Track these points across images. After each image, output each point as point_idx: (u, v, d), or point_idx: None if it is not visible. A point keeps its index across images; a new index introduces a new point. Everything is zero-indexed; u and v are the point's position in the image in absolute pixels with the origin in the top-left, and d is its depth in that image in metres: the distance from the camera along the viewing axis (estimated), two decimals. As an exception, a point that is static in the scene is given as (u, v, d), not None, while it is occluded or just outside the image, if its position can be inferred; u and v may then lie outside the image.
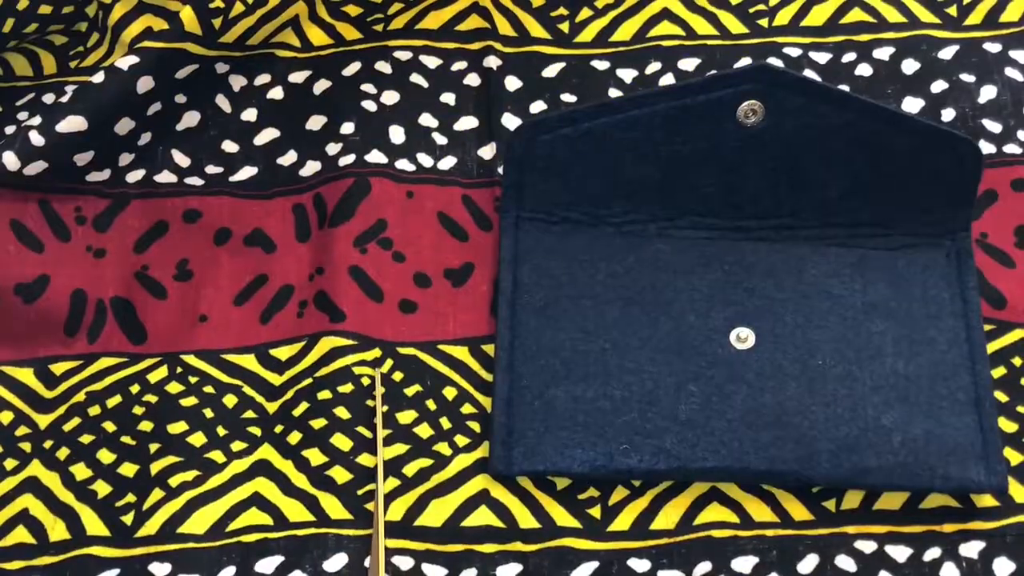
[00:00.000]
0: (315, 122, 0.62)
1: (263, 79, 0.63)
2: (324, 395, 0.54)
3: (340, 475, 0.53)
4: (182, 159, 0.61)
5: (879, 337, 0.54)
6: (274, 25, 0.63)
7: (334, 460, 0.53)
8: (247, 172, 0.61)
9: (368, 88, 0.62)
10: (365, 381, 0.54)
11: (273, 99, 0.62)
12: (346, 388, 0.54)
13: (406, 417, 0.54)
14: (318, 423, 0.54)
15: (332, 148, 0.60)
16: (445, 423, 0.54)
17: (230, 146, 0.61)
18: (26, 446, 0.54)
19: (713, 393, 0.53)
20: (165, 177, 0.60)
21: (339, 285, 0.56)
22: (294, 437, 0.54)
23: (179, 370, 0.56)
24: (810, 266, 0.56)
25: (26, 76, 0.64)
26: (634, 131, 0.55)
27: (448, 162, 0.60)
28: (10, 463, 0.54)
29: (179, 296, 0.58)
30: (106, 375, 0.56)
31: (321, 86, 0.63)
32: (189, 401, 0.55)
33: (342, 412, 0.54)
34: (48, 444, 0.54)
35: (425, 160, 0.60)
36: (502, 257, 0.56)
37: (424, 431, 0.54)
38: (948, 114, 0.60)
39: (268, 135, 0.62)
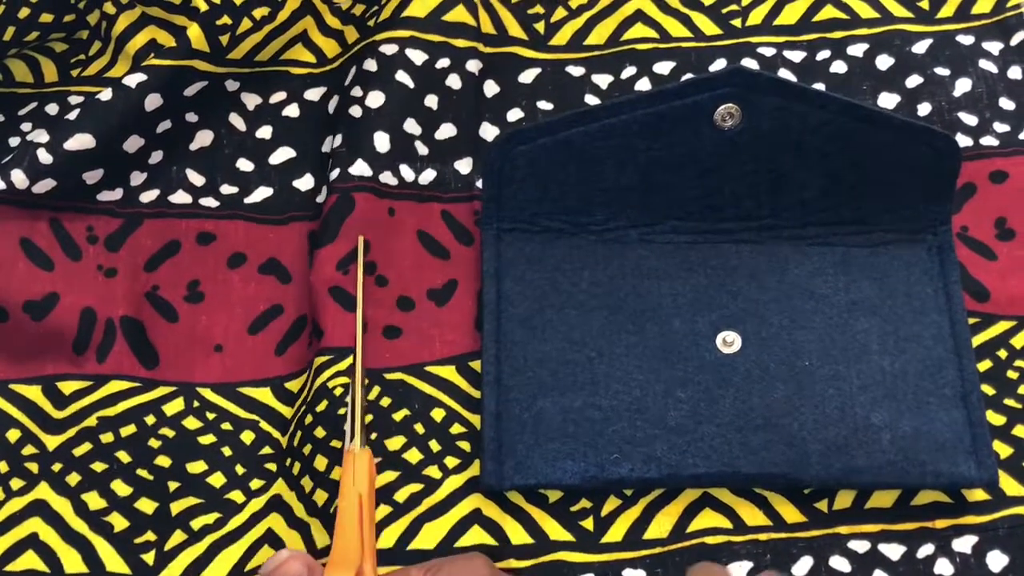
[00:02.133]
0: (328, 143, 0.61)
1: (278, 96, 0.62)
2: (308, 420, 0.53)
3: (320, 497, 0.52)
4: (197, 178, 0.60)
5: (864, 335, 0.54)
6: (282, 41, 0.63)
7: (317, 484, 0.52)
8: (262, 193, 0.60)
9: (356, 92, 0.60)
10: (338, 391, 0.53)
11: (289, 116, 0.62)
12: (321, 406, 0.53)
13: (395, 443, 0.53)
14: (307, 449, 0.53)
15: (329, 165, 0.59)
16: (435, 446, 0.53)
17: (245, 164, 0.61)
18: (33, 466, 0.53)
19: (701, 398, 0.53)
20: (180, 197, 0.60)
21: (324, 307, 0.55)
22: (296, 467, 0.53)
23: (196, 404, 0.55)
24: (793, 266, 0.56)
25: (26, 83, 0.63)
26: (611, 139, 0.55)
27: (428, 176, 0.59)
28: (16, 483, 0.53)
29: (190, 319, 0.57)
30: (118, 400, 0.55)
31: (334, 102, 0.62)
32: (208, 439, 0.54)
33: (319, 432, 0.53)
34: (57, 467, 0.54)
35: (407, 173, 0.59)
36: (485, 271, 0.56)
37: (413, 456, 0.53)
38: (924, 108, 0.60)
39: (283, 155, 0.61)
